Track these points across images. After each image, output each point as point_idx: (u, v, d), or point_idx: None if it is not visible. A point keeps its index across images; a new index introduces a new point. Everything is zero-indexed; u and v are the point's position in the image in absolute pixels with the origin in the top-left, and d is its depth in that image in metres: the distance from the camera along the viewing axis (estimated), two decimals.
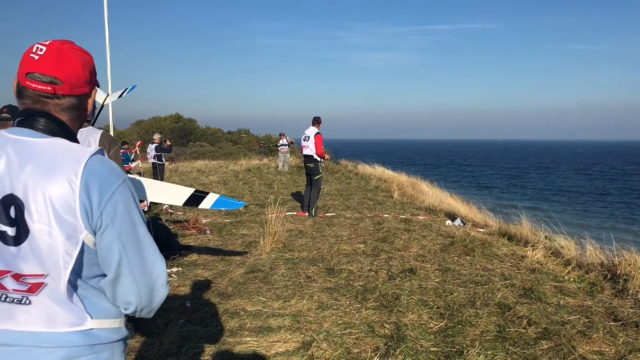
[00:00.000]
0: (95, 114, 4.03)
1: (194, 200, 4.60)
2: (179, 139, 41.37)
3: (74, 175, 1.29)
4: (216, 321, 4.55)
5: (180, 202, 4.49)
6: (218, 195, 4.81)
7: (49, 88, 1.38)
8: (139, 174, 14.62)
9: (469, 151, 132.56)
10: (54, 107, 1.41)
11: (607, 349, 4.08)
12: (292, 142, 22.91)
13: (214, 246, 7.55)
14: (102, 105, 9.88)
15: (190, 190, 4.62)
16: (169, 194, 4.53)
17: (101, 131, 3.65)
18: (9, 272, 1.28)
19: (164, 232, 6.98)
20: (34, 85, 1.37)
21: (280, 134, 23.32)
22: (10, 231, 1.27)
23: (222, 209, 4.97)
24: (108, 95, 10.42)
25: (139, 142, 18.25)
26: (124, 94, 10.20)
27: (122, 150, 14.95)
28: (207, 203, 4.72)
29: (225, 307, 4.90)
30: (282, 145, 22.62)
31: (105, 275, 1.39)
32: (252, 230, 8.67)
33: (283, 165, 22.26)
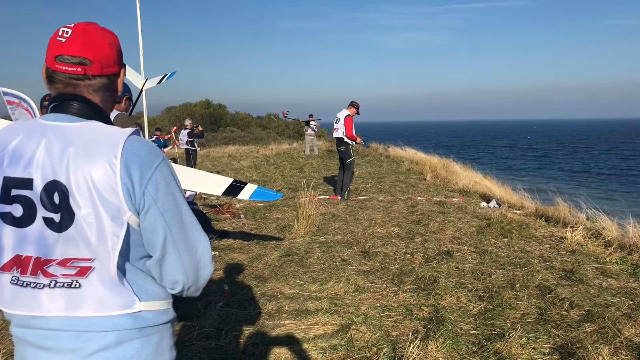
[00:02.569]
0: (135, 100, 4.06)
1: (233, 190, 4.65)
2: (209, 125, 41.65)
3: (114, 157, 1.27)
4: (254, 304, 4.59)
5: (219, 191, 4.55)
6: (256, 186, 4.86)
7: (79, 69, 1.36)
8: (174, 159, 14.79)
9: (499, 132, 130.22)
10: (86, 88, 1.40)
11: None
12: (317, 126, 21.27)
13: (249, 230, 7.61)
14: (141, 91, 9.97)
15: (229, 180, 4.67)
16: (208, 183, 4.59)
17: (116, 112, 3.44)
18: (54, 260, 1.29)
19: (200, 217, 7.05)
20: (64, 68, 1.35)
21: (309, 116, 21.16)
22: (56, 217, 1.27)
23: (260, 199, 5.01)
24: (147, 80, 10.48)
25: (174, 128, 18.44)
26: (164, 80, 10.22)
27: (154, 137, 15.13)
28: (246, 194, 4.77)
29: (262, 291, 4.94)
30: (313, 126, 20.91)
31: (150, 256, 1.39)
32: (286, 214, 8.70)
33: (311, 150, 21.19)
